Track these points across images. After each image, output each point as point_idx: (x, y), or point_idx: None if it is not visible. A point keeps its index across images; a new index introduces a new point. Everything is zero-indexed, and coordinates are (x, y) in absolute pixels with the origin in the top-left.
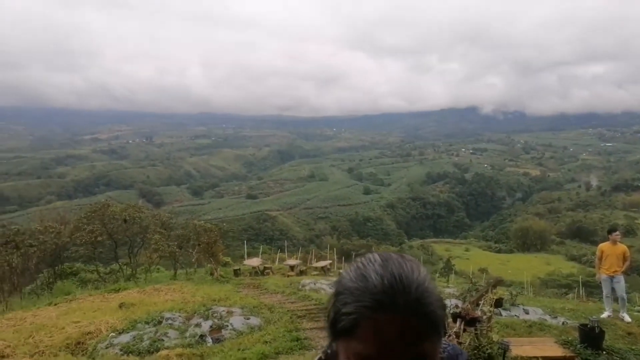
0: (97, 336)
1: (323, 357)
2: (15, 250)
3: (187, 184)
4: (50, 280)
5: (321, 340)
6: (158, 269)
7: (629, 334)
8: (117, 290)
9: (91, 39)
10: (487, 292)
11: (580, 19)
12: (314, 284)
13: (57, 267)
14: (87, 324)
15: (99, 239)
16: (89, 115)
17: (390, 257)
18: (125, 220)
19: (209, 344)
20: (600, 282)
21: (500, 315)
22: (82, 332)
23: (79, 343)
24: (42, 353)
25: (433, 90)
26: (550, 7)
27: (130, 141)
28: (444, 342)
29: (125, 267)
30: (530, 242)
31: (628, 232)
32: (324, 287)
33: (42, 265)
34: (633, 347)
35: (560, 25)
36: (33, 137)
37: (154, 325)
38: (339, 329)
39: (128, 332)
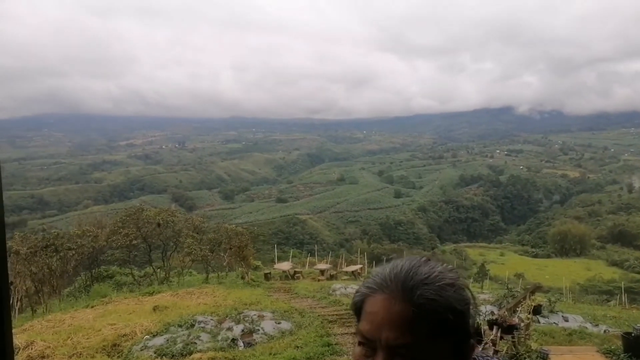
0: (132, 338)
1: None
2: (54, 253)
3: (218, 188)
4: (88, 283)
5: (352, 346)
6: (190, 272)
7: None
8: (151, 294)
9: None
10: (524, 298)
11: (621, 12)
12: (345, 288)
13: (94, 270)
14: (122, 326)
15: (134, 242)
16: (124, 121)
17: (418, 258)
18: (159, 224)
19: (240, 348)
20: None
21: (539, 322)
22: (118, 334)
23: (114, 345)
24: (80, 354)
25: (466, 90)
26: (589, 0)
27: (163, 146)
28: (483, 355)
29: (159, 270)
30: (569, 247)
31: None
32: (355, 291)
33: (80, 269)
34: None
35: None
36: (72, 143)
37: (187, 329)
38: (351, 306)
39: (162, 335)
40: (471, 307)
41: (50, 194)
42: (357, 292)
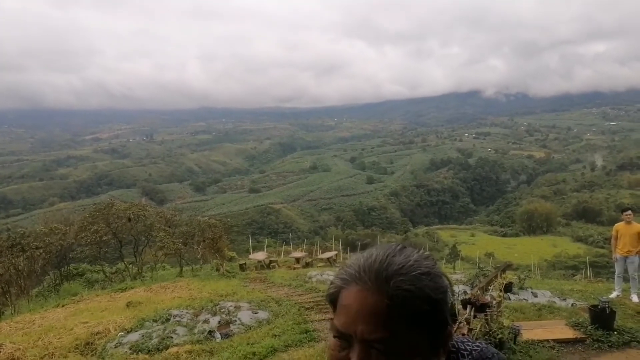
0: (106, 336)
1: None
2: (21, 253)
3: (189, 181)
4: (57, 281)
5: (330, 332)
6: (164, 266)
7: (639, 313)
8: (123, 290)
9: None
10: (496, 277)
11: None
12: (321, 275)
13: (63, 269)
14: (95, 324)
15: (104, 238)
16: (88, 115)
17: (394, 245)
18: (129, 219)
19: (217, 340)
20: (615, 262)
21: (509, 299)
22: (91, 332)
23: (88, 343)
24: (52, 355)
25: (434, 76)
26: None
27: (130, 139)
28: (475, 344)
29: (131, 266)
30: (536, 225)
31: (633, 212)
32: (331, 278)
33: (48, 267)
34: None
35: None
36: (34, 139)
37: (162, 323)
38: (326, 298)
39: (136, 331)
40: (448, 294)
41: (14, 192)
42: (331, 283)
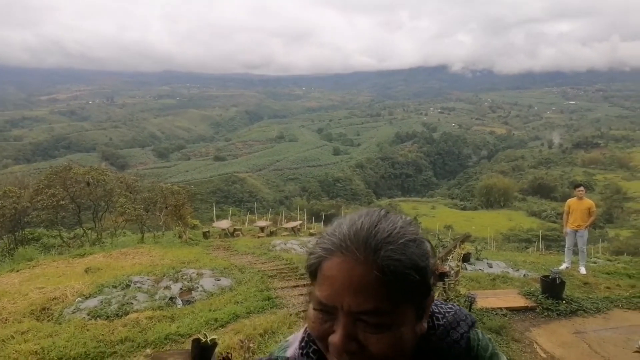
0: (63, 301)
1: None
2: None
3: (152, 146)
4: (11, 246)
5: (292, 298)
6: (124, 233)
7: (585, 283)
8: (82, 255)
9: None
10: (455, 247)
11: None
12: (285, 244)
13: (17, 233)
14: (51, 289)
15: (61, 203)
16: (44, 74)
17: (375, 211)
18: (88, 184)
19: (179, 306)
20: (566, 236)
21: (466, 269)
22: (47, 297)
23: (44, 309)
24: (6, 320)
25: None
26: None
27: (90, 102)
28: (447, 307)
29: (89, 231)
30: (494, 199)
31: (585, 188)
32: (295, 247)
33: (2, 232)
34: (590, 296)
35: None
36: None
37: (122, 289)
38: (306, 268)
39: (95, 297)
40: (431, 259)
41: None
42: (311, 253)
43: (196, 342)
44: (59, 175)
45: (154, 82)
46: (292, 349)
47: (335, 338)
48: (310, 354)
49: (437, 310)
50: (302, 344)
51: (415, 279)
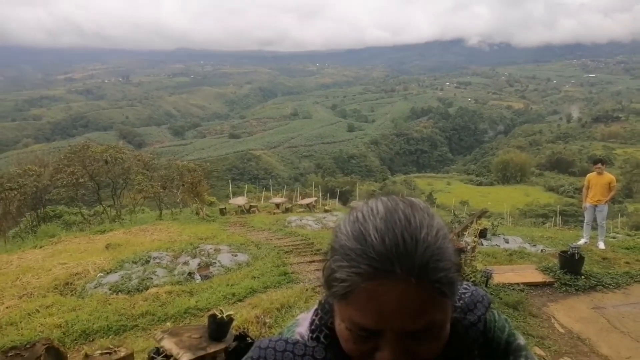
0: (85, 277)
1: (320, 310)
2: None
3: (167, 124)
4: (34, 223)
5: (308, 274)
6: (143, 209)
7: (604, 259)
8: (102, 232)
9: None
10: (472, 223)
11: None
12: (300, 220)
13: (39, 210)
14: (74, 265)
15: (81, 180)
16: (60, 54)
17: (396, 209)
18: (106, 162)
19: (197, 281)
20: (585, 211)
21: (482, 245)
22: (70, 273)
23: (67, 284)
24: (31, 294)
25: (418, 21)
26: None
27: (106, 80)
28: (463, 287)
29: (109, 208)
30: (510, 175)
31: (604, 163)
32: (310, 223)
33: (24, 209)
34: (609, 271)
35: None
36: (3, 77)
37: (142, 265)
38: (332, 293)
39: (116, 272)
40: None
41: None
42: (335, 279)
43: (212, 317)
44: (77, 154)
45: (168, 60)
46: (302, 330)
47: (385, 357)
48: (322, 339)
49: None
50: (312, 327)
51: (457, 277)
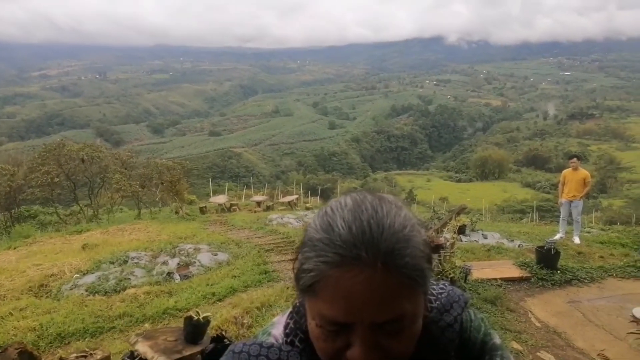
0: (61, 278)
1: (294, 314)
2: None
3: (146, 122)
4: (8, 224)
5: (289, 272)
6: (121, 209)
7: (579, 253)
8: (79, 232)
9: None
10: (451, 219)
11: None
12: (281, 218)
13: (13, 211)
14: (49, 266)
15: (56, 180)
16: (34, 49)
17: (363, 201)
18: (83, 160)
19: (176, 281)
20: (561, 206)
21: (461, 241)
22: (45, 274)
23: (42, 285)
24: (4, 297)
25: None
26: None
27: (82, 77)
28: (439, 287)
29: (86, 208)
30: (488, 171)
31: (579, 159)
32: (291, 221)
33: None
34: (584, 266)
35: None
36: None
37: (120, 265)
38: (301, 286)
39: (93, 273)
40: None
41: None
42: (304, 270)
43: (188, 319)
44: (52, 153)
45: (146, 56)
46: (277, 333)
47: (355, 354)
48: (297, 343)
49: (429, 292)
50: (287, 330)
51: (427, 267)
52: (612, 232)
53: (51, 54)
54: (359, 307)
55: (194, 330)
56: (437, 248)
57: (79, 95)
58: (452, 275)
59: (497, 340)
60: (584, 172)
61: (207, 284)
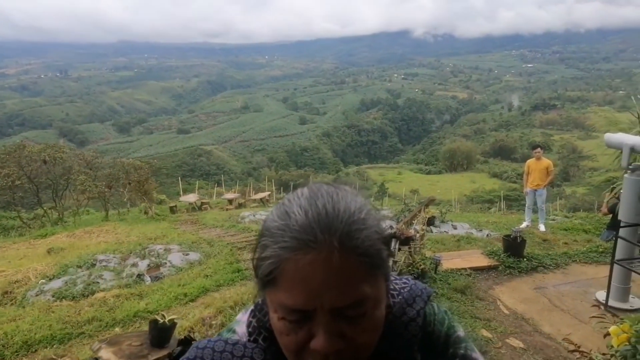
0: (26, 284)
1: (257, 311)
2: None
3: (111, 121)
4: None
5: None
6: (88, 211)
7: (545, 240)
8: (44, 236)
9: None
10: (420, 211)
11: None
12: (254, 215)
13: None
14: (13, 272)
15: (17, 183)
16: None
17: (319, 189)
18: (44, 162)
19: (147, 283)
20: (526, 195)
21: (431, 232)
22: (9, 281)
23: (5, 293)
24: None
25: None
26: None
27: (42, 75)
28: (402, 281)
29: (51, 211)
30: (457, 163)
31: (543, 149)
32: (264, 217)
33: None
34: (549, 253)
35: None
36: None
37: (87, 269)
38: (260, 277)
39: (59, 278)
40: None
41: None
42: (262, 258)
43: (153, 323)
44: (12, 155)
45: (109, 53)
46: (241, 330)
47: (318, 343)
48: (260, 341)
49: (391, 287)
50: (250, 329)
51: (384, 249)
52: (575, 219)
53: (9, 52)
54: (318, 291)
55: (160, 333)
56: (407, 240)
57: (39, 95)
58: (422, 266)
59: (461, 332)
60: (546, 161)
61: (179, 285)
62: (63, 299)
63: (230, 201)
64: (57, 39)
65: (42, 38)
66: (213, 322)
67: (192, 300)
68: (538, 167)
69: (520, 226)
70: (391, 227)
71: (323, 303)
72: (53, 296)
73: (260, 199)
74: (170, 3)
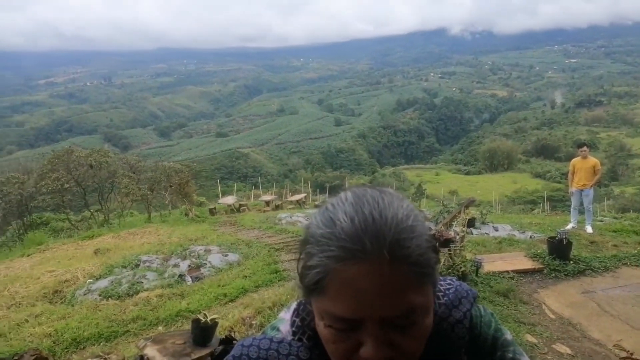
0: (75, 284)
1: (300, 311)
2: None
3: (153, 125)
4: (21, 231)
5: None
6: (131, 213)
7: (592, 242)
8: (91, 237)
9: None
10: (460, 212)
11: None
12: (290, 217)
13: (25, 218)
14: (62, 272)
15: (66, 186)
16: (40, 58)
17: (364, 194)
18: (91, 166)
19: (188, 283)
20: (571, 196)
21: (472, 234)
22: (59, 280)
23: (56, 291)
24: (19, 304)
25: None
26: None
27: (88, 83)
28: (446, 282)
29: (97, 213)
30: (497, 163)
31: (589, 147)
32: (300, 219)
33: (10, 218)
34: (597, 255)
35: None
36: None
37: (132, 269)
38: (305, 285)
39: (105, 278)
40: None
41: None
42: (309, 267)
43: (196, 322)
44: (61, 160)
45: (150, 60)
46: (284, 329)
47: (368, 352)
48: (305, 340)
49: (437, 289)
50: (294, 328)
51: (433, 257)
52: (625, 220)
53: (57, 62)
54: (367, 302)
55: (202, 332)
56: (447, 242)
57: (85, 102)
58: (463, 269)
59: (508, 336)
60: (593, 160)
61: (219, 285)
62: (109, 298)
63: (267, 203)
64: (101, 47)
65: (87, 47)
66: (253, 322)
67: (231, 301)
68: (584, 166)
69: (566, 227)
70: (430, 228)
71: (372, 313)
72: (100, 295)
73: (297, 201)
74: (208, 10)
